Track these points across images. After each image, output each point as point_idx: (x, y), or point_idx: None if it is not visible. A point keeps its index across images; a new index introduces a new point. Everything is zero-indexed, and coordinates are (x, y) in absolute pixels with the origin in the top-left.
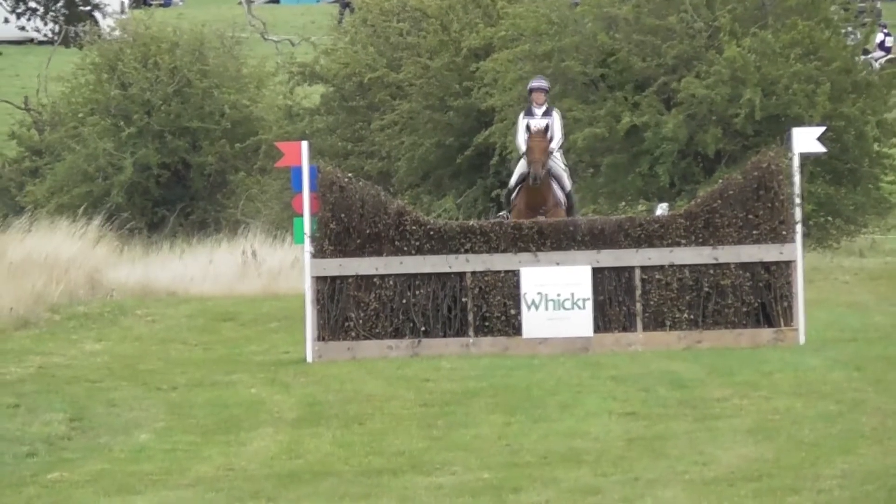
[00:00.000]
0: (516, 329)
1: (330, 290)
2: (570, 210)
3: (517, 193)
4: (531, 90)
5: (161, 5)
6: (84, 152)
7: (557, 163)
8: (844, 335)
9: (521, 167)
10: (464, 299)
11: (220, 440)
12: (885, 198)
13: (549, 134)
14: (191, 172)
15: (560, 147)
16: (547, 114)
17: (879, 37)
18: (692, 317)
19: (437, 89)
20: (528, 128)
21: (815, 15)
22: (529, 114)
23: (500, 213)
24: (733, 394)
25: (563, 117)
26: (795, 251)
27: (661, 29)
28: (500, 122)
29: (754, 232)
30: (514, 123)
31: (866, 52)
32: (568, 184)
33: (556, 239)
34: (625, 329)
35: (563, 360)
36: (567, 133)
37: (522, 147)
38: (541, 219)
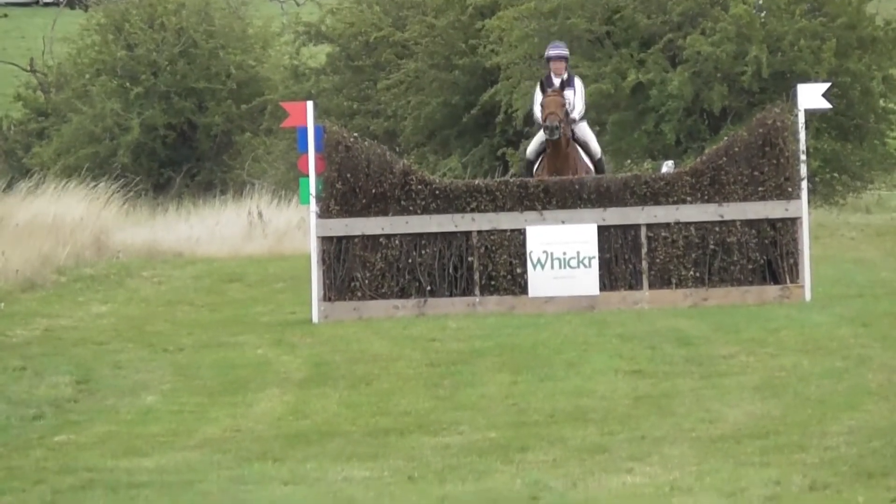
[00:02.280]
0: (522, 288)
1: (336, 251)
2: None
3: (539, 165)
4: (549, 59)
5: None
6: (91, 113)
7: (586, 130)
8: (851, 291)
9: (539, 137)
10: (469, 258)
11: (226, 401)
12: (891, 153)
13: (569, 101)
14: (197, 133)
15: (582, 118)
16: (568, 84)
17: None
18: (698, 274)
19: (442, 48)
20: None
21: None
22: (549, 84)
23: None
24: (739, 351)
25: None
26: (801, 208)
27: None
28: (506, 79)
29: (760, 189)
30: (532, 94)
31: None
32: (596, 149)
33: (562, 197)
34: (631, 287)
35: (569, 318)
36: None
37: (539, 115)
38: (548, 178)
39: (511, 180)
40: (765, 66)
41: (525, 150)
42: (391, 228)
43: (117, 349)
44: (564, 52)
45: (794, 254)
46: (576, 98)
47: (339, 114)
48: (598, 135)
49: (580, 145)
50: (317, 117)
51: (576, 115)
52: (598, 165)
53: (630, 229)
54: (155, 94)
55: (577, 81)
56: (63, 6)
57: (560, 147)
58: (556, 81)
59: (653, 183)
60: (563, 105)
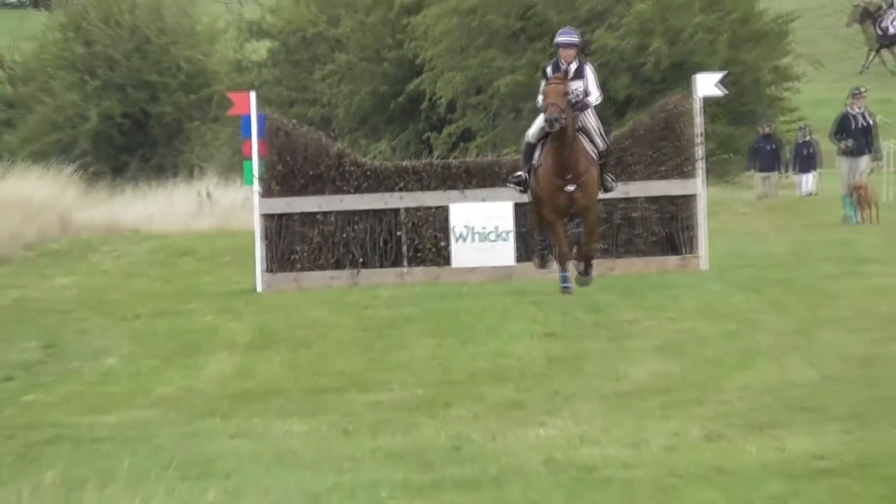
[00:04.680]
0: (446, 259)
1: (277, 227)
2: (603, 172)
3: (543, 152)
4: (558, 45)
5: None
6: (53, 104)
7: (589, 118)
8: (744, 262)
9: (537, 122)
10: (398, 233)
11: (179, 364)
12: (785, 137)
13: (578, 90)
14: (150, 121)
15: (596, 103)
16: (579, 72)
17: None
18: (605, 246)
19: (372, 42)
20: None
21: None
22: (557, 69)
23: (514, 176)
24: (643, 316)
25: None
26: (698, 186)
27: None
28: (430, 70)
29: (661, 168)
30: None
31: None
32: (599, 142)
33: (482, 177)
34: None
35: (488, 287)
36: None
37: (540, 103)
38: (469, 159)
39: (435, 161)
40: (665, 58)
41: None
42: (327, 206)
43: (80, 317)
44: (575, 38)
45: (692, 227)
46: (589, 85)
47: (279, 103)
48: (515, 119)
49: (585, 135)
50: (259, 106)
51: (591, 100)
52: (603, 157)
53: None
54: (111, 86)
55: (589, 68)
56: (28, 6)
57: (566, 137)
58: (570, 68)
59: None
60: (566, 94)
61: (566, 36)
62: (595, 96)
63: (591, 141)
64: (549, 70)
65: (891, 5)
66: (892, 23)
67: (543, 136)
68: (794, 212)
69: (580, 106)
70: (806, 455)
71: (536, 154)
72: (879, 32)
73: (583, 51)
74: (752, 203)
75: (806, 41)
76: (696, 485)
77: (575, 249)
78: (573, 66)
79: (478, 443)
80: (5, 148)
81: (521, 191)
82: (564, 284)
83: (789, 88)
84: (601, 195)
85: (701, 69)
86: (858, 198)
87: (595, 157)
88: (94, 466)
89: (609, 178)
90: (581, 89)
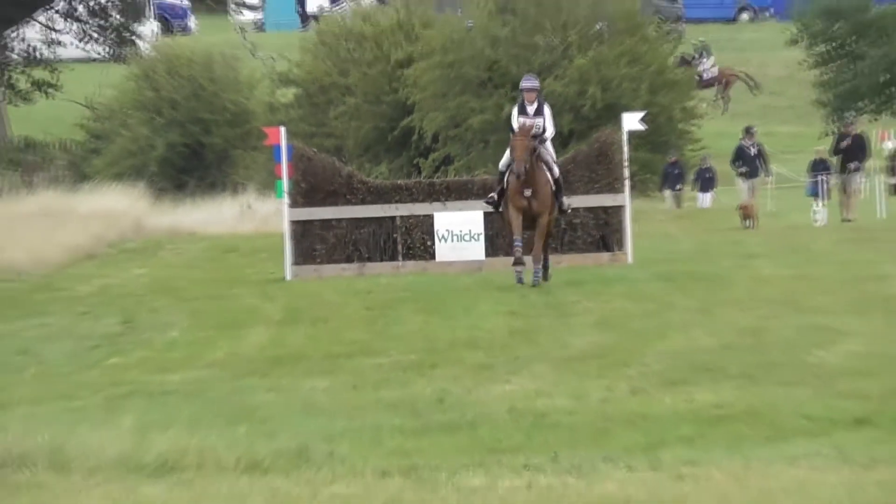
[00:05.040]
0: (431, 255)
1: (301, 230)
2: (558, 193)
3: (508, 175)
4: (522, 89)
5: (182, 32)
6: (129, 136)
7: (548, 150)
8: (660, 257)
9: (507, 156)
10: (394, 235)
11: (226, 335)
12: (687, 161)
13: (539, 129)
14: (204, 150)
15: (551, 137)
16: (538, 111)
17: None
18: (554, 245)
19: (373, 89)
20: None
21: (637, 34)
22: (523, 111)
23: (489, 197)
24: (583, 298)
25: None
26: (625, 199)
27: (530, 45)
28: (418, 110)
29: (596, 185)
30: (508, 116)
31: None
32: (556, 170)
33: (459, 192)
34: (507, 254)
35: (464, 277)
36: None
37: (510, 148)
38: (448, 179)
39: (422, 180)
40: (599, 101)
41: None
42: (339, 215)
43: (151, 300)
44: (536, 83)
45: (620, 231)
46: (546, 122)
47: (303, 135)
48: (484, 149)
49: (544, 163)
50: (287, 138)
51: (547, 136)
52: (558, 182)
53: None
54: (174, 122)
55: (546, 108)
56: (110, 62)
57: (530, 172)
58: (531, 109)
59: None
60: (531, 148)
61: (529, 81)
62: (550, 131)
63: (550, 169)
64: (514, 110)
65: (700, 54)
66: (705, 70)
67: (510, 164)
68: (697, 220)
69: (540, 140)
70: (708, 405)
71: (506, 178)
72: (697, 78)
73: (541, 93)
74: (665, 213)
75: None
76: (623, 428)
77: (532, 250)
78: (534, 106)
79: (456, 395)
80: (93, 171)
81: (493, 208)
82: (518, 279)
83: (694, 124)
84: (556, 214)
85: (627, 109)
86: (745, 213)
87: (552, 182)
88: (161, 414)
89: (564, 201)
90: (541, 125)
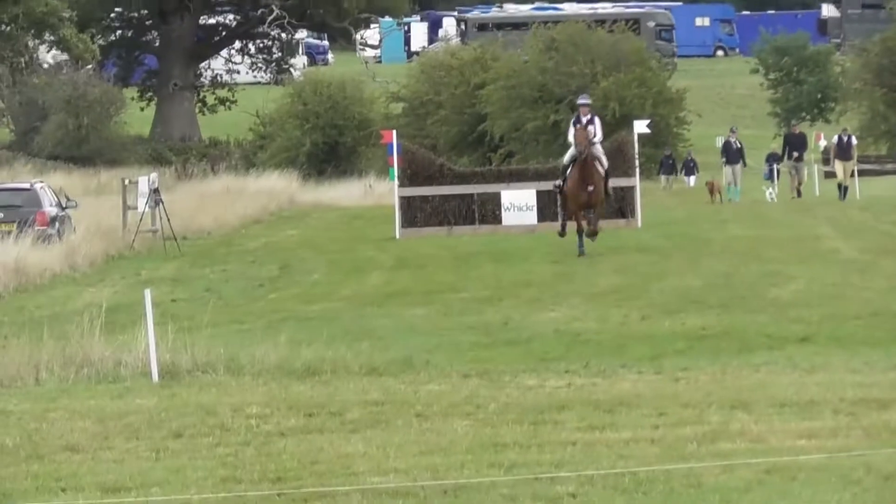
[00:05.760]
0: (499, 221)
1: (407, 203)
2: (606, 181)
3: (570, 170)
4: (579, 105)
5: (323, 64)
6: (285, 136)
7: (599, 150)
8: (660, 222)
9: (570, 152)
10: (473, 207)
11: (353, 277)
12: (680, 155)
13: (592, 132)
14: (338, 146)
15: (599, 142)
16: (591, 121)
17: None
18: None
19: (458, 104)
20: (574, 125)
21: (644, 65)
22: (578, 121)
23: (556, 182)
24: (606, 251)
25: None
26: (636, 181)
27: (568, 72)
28: (490, 120)
29: (616, 172)
30: (556, 122)
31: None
32: (606, 163)
33: (519, 177)
34: (552, 220)
35: (522, 236)
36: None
37: (571, 138)
38: (511, 167)
39: (493, 167)
40: (617, 112)
41: (564, 157)
42: (434, 192)
43: (300, 252)
44: (588, 101)
45: (632, 204)
46: (597, 129)
47: (408, 137)
48: (536, 145)
49: (596, 159)
50: (397, 138)
51: (596, 140)
52: (606, 174)
53: (551, 193)
54: (317, 127)
55: (597, 119)
56: (272, 84)
57: (587, 162)
58: (584, 119)
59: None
60: (587, 137)
61: (584, 99)
62: (599, 136)
63: (601, 164)
64: (572, 121)
65: None
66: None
67: (571, 161)
68: (685, 196)
69: (592, 143)
70: (696, 327)
71: (568, 171)
72: None
73: (592, 108)
74: (663, 191)
75: (694, 101)
76: (636, 343)
77: (586, 225)
78: (587, 118)
79: (516, 320)
80: (259, 161)
81: (558, 190)
82: (581, 250)
83: (685, 128)
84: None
85: (637, 118)
86: (710, 188)
87: (602, 175)
88: (307, 333)
89: (611, 189)
90: (592, 132)
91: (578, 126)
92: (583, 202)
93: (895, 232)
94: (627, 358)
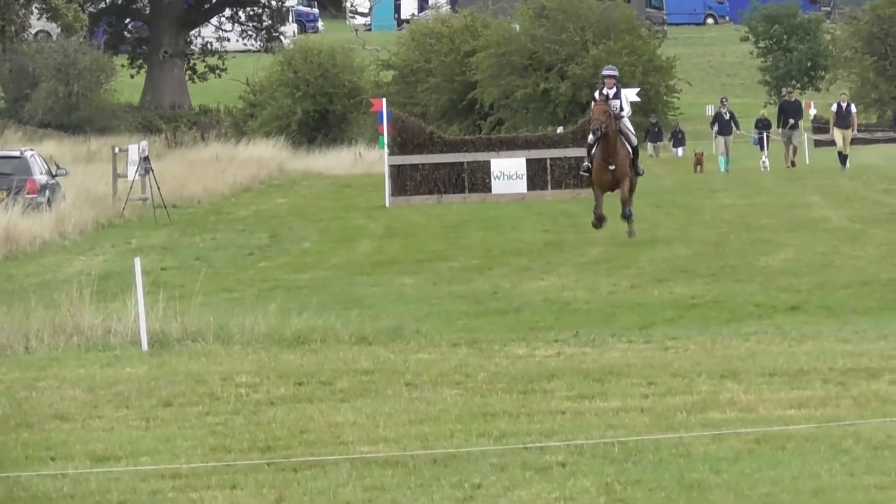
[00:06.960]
0: (488, 189)
1: (397, 171)
2: (634, 160)
3: (596, 148)
4: (603, 76)
5: (313, 31)
6: (276, 105)
7: (626, 125)
8: (650, 190)
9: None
10: (463, 175)
11: (343, 246)
12: (669, 123)
13: (617, 105)
14: (329, 114)
15: (628, 116)
16: (616, 94)
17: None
18: (574, 182)
19: (448, 72)
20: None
21: (634, 32)
22: (602, 94)
23: (584, 165)
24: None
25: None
26: None
27: (558, 40)
28: (479, 87)
29: None
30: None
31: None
32: (634, 140)
33: (508, 145)
34: (542, 188)
35: (512, 204)
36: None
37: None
38: (501, 135)
39: (482, 136)
40: None
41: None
42: (424, 160)
43: (290, 220)
44: (614, 72)
45: None
46: (623, 103)
47: (398, 104)
48: (525, 115)
49: (622, 135)
50: (387, 106)
51: (624, 114)
52: (635, 150)
53: (541, 160)
54: (307, 95)
55: (623, 92)
56: (262, 52)
57: (609, 139)
58: (609, 92)
59: (552, 137)
60: (606, 111)
61: (609, 70)
62: (627, 110)
63: (628, 140)
64: (596, 94)
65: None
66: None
67: (595, 138)
68: (674, 165)
69: (617, 117)
70: (685, 296)
71: (592, 151)
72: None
73: (618, 80)
74: (650, 158)
75: (684, 70)
76: (625, 312)
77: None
78: (612, 91)
79: (506, 289)
80: (250, 129)
81: (587, 175)
82: (596, 222)
83: (675, 96)
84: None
85: (628, 86)
86: (697, 158)
87: (629, 150)
88: (297, 302)
89: (640, 166)
90: (618, 105)
91: (599, 99)
92: (605, 182)
93: (885, 200)
94: (617, 327)
